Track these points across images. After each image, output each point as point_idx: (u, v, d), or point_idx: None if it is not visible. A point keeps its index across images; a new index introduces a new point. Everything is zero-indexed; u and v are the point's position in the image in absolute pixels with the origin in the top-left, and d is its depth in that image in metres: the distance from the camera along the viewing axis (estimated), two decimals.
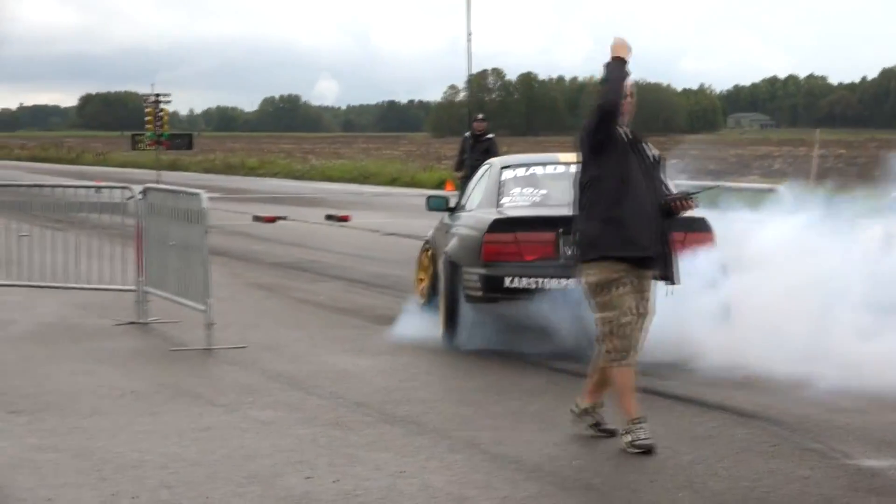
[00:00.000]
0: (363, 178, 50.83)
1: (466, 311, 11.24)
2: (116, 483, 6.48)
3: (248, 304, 14.63)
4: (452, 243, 11.87)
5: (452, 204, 13.50)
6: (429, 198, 14.77)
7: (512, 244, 11.08)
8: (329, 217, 28.52)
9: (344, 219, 26.80)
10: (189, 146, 36.24)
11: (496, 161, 13.60)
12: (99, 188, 16.97)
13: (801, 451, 7.41)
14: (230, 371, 10.48)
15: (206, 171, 62.72)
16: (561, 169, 12.33)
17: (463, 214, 12.47)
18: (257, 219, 28.13)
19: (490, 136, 22.67)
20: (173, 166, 47.82)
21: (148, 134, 31.94)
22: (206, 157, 69.01)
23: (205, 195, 11.57)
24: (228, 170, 65.52)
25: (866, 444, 7.61)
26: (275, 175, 62.20)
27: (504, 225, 11.19)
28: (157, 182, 26.35)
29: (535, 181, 12.39)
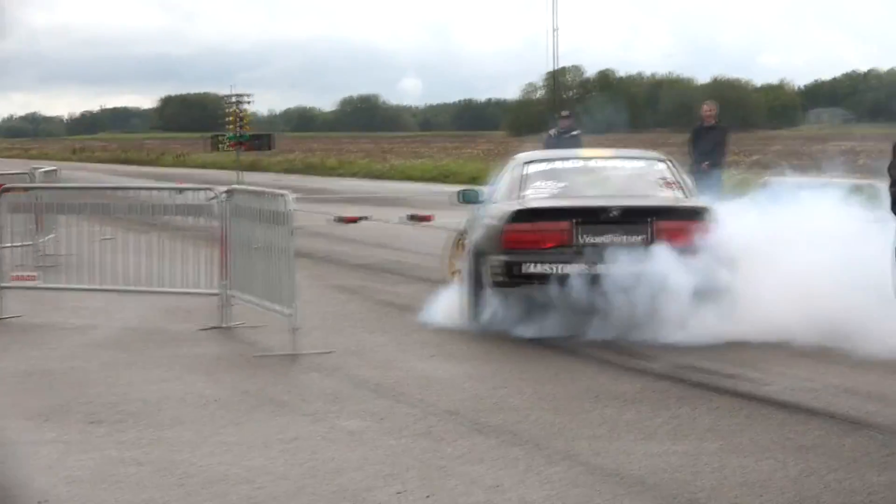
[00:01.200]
0: (443, 178, 50.73)
1: (488, 296, 12.17)
2: (200, 498, 6.45)
3: (333, 307, 14.45)
4: (477, 233, 12.90)
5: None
6: (460, 192, 15.78)
7: (531, 233, 12.03)
8: (412, 217, 28.61)
9: (427, 219, 26.74)
10: (269, 146, 36.72)
11: (520, 156, 14.48)
12: (181, 189, 17.14)
13: None
14: (316, 378, 10.42)
15: (286, 171, 63.18)
16: (580, 163, 14.21)
17: (489, 206, 13.37)
18: (339, 219, 28.21)
19: (576, 132, 22.40)
20: (253, 167, 48.28)
21: (229, 135, 32.33)
22: (285, 157, 69.62)
23: (290, 196, 11.56)
24: (308, 170, 66.11)
25: None
26: (354, 175, 62.82)
27: (524, 215, 12.17)
28: (239, 183, 26.38)
29: (556, 174, 13.43)
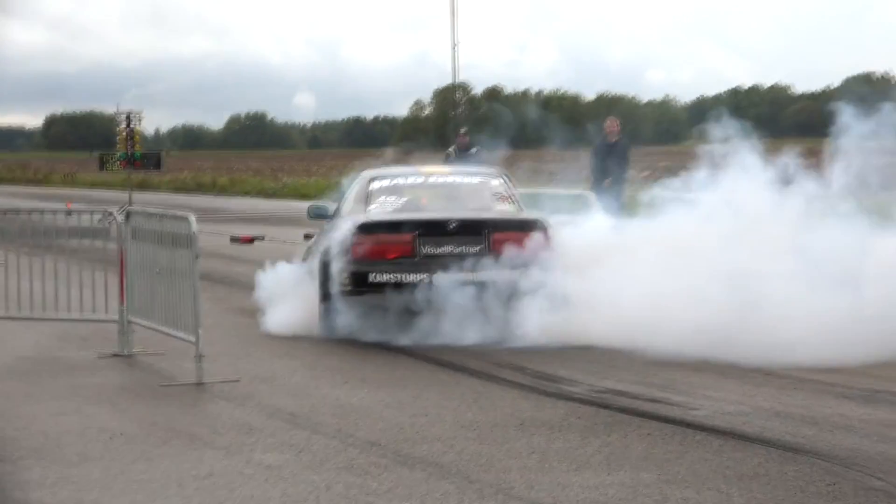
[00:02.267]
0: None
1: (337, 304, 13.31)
2: None
3: (236, 331, 14.47)
4: (325, 245, 13.90)
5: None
6: (309, 207, 17.08)
7: (376, 244, 13.31)
8: (307, 236, 28.60)
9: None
10: (158, 166, 36.34)
11: (366, 173, 15.56)
12: (74, 212, 17.37)
13: (864, 490, 7.20)
14: (225, 408, 10.29)
15: (177, 190, 63.15)
16: (421, 179, 15.50)
17: (337, 219, 14.58)
18: (234, 239, 28.11)
19: (474, 149, 22.56)
20: (143, 186, 48.14)
21: (119, 154, 32.08)
22: (175, 176, 69.11)
23: (193, 218, 11.49)
24: (199, 189, 66.42)
25: None
26: (246, 193, 63.28)
27: (369, 228, 13.45)
28: (131, 203, 26.14)
29: (399, 190, 14.69)
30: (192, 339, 11.12)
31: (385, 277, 13.14)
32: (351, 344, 13.83)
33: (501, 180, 15.10)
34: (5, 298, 14.05)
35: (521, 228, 13.49)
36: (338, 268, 13.28)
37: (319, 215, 16.03)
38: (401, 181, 15.09)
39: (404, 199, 14.58)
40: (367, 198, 14.57)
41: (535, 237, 13.23)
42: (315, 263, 14.19)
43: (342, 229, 13.70)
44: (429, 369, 12.37)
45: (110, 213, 13.59)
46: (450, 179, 15.80)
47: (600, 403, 10.28)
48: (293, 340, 14.23)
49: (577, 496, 6.99)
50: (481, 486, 7.27)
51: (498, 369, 12.07)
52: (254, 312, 15.67)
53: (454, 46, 32.57)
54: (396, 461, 8.04)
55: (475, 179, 15.66)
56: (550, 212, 14.96)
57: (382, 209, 14.21)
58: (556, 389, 10.96)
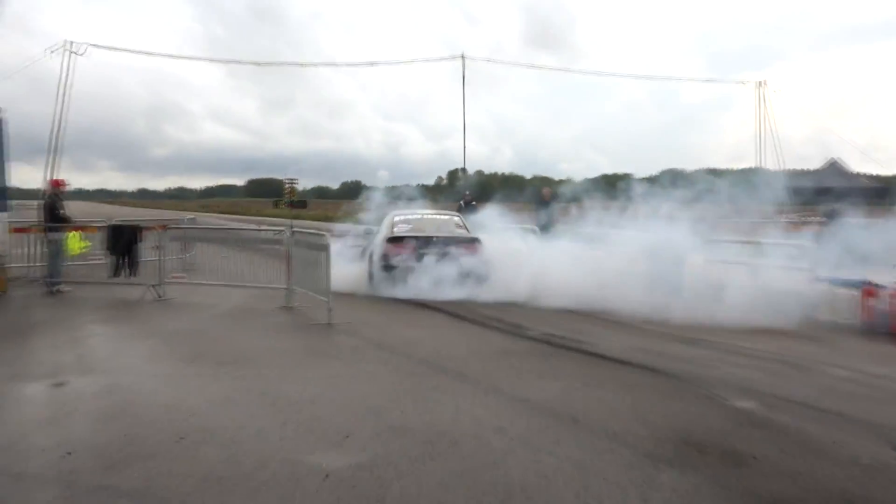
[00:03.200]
0: None
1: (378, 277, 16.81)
2: (284, 414, 7.49)
3: (346, 299, 15.30)
4: (372, 248, 17.98)
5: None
6: (365, 228, 20.87)
7: (395, 247, 16.78)
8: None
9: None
10: (305, 206, 39.68)
11: (392, 212, 19.58)
12: (266, 230, 20.30)
13: (697, 396, 8.42)
14: (343, 338, 11.77)
15: (314, 219, 64.60)
16: (419, 216, 19.11)
17: (377, 235, 18.29)
18: None
19: (474, 203, 25.03)
20: (297, 217, 49.71)
21: (285, 199, 35.47)
22: (315, 212, 70.26)
23: (328, 235, 13.91)
24: (326, 219, 67.85)
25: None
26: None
27: (393, 239, 17.02)
28: (292, 226, 28.43)
29: (409, 221, 18.42)
30: (325, 299, 13.37)
31: (400, 263, 16.55)
32: (402, 302, 15.83)
33: (458, 218, 19.20)
34: (228, 274, 16.71)
35: (467, 241, 17.13)
36: (377, 258, 16.98)
37: (369, 232, 20.09)
38: (409, 216, 18.97)
39: (410, 225, 18.14)
40: (392, 224, 18.25)
41: (474, 245, 17.07)
42: (367, 256, 18.34)
43: (380, 239, 17.55)
44: (446, 318, 13.96)
45: (282, 231, 16.08)
46: (433, 217, 19.38)
47: (546, 341, 11.61)
48: (375, 301, 16.13)
49: (537, 394, 8.30)
50: (485, 387, 8.61)
51: (486, 319, 13.65)
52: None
53: (464, 160, 34.08)
54: (437, 370, 9.49)
55: (445, 217, 19.49)
56: (510, 238, 19.06)
57: (400, 230, 17.70)
58: (521, 332, 12.38)
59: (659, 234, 18.62)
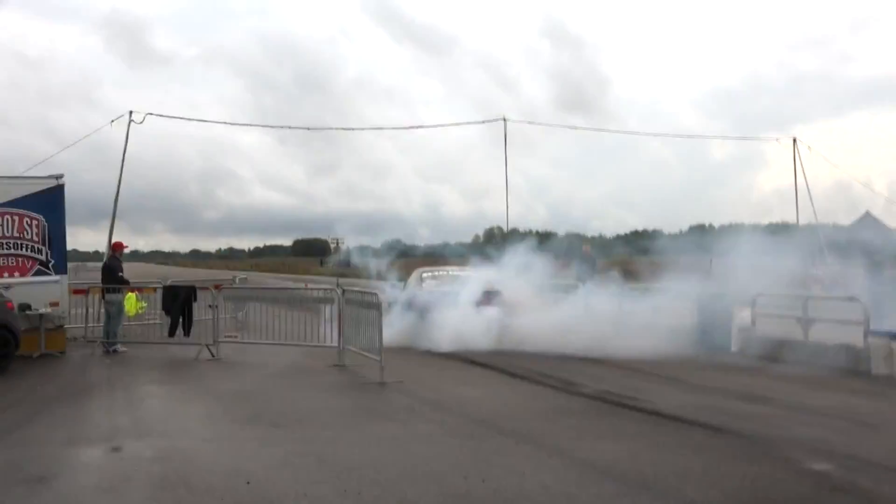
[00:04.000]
0: None
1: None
2: (344, 481, 6.94)
3: (395, 353, 14.61)
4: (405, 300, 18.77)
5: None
6: (399, 281, 21.03)
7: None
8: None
9: None
10: (349, 265, 40.48)
11: (418, 269, 20.49)
12: (318, 289, 19.38)
13: (771, 459, 7.73)
14: (397, 397, 11.42)
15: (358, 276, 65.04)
16: (444, 272, 20.30)
17: (408, 290, 19.33)
18: None
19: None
20: (342, 275, 50.13)
21: (332, 258, 36.40)
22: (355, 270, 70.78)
23: (379, 293, 13.12)
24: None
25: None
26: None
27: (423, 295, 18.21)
28: (339, 285, 28.50)
29: (433, 276, 19.71)
30: (377, 358, 12.85)
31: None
32: (451, 359, 15.51)
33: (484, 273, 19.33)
34: (280, 332, 16.05)
35: (489, 293, 17.49)
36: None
37: (399, 287, 20.26)
38: (435, 272, 20.23)
39: (436, 280, 19.32)
40: (420, 279, 19.53)
41: (496, 297, 17.44)
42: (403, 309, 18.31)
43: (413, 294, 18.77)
44: (497, 375, 13.52)
45: (333, 289, 15.81)
46: (455, 272, 19.99)
47: (601, 398, 11.14)
48: (424, 358, 15.81)
49: (603, 455, 7.74)
50: (546, 448, 8.12)
51: (537, 376, 13.15)
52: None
53: (507, 220, 33.90)
54: (495, 431, 8.95)
55: (466, 273, 19.78)
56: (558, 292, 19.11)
57: (427, 286, 18.97)
58: (575, 390, 11.89)
59: (706, 288, 18.05)
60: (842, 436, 8.75)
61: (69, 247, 17.97)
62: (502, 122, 29.89)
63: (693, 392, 11.72)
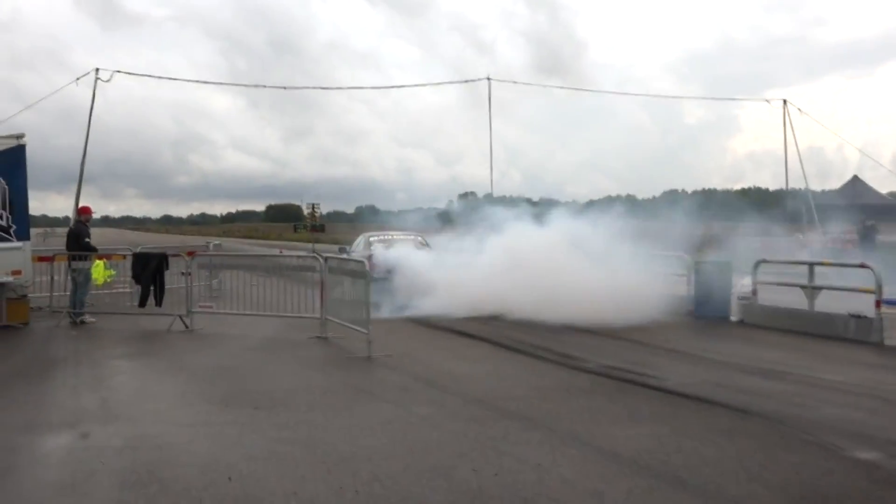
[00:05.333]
0: None
1: None
2: (340, 476, 6.16)
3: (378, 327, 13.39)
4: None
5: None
6: (340, 248, 23.20)
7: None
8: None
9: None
10: (323, 230, 39.65)
11: (365, 233, 22.31)
12: (298, 257, 18.99)
13: (809, 446, 7.02)
14: (387, 373, 10.59)
15: (333, 242, 64.81)
16: (389, 236, 21.63)
17: (353, 253, 20.32)
18: None
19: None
20: (316, 241, 49.00)
21: (306, 224, 35.46)
22: (330, 236, 70.18)
23: (366, 262, 11.99)
24: (337, 242, 68.02)
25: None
26: None
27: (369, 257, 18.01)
28: (314, 251, 27.97)
29: (382, 241, 20.67)
30: (365, 330, 12.00)
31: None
32: (437, 328, 14.93)
33: (420, 237, 21.23)
34: (257, 302, 15.29)
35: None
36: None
37: (344, 250, 21.67)
38: (380, 236, 21.59)
39: (383, 244, 20.08)
40: (369, 244, 20.45)
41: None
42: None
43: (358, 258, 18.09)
44: (490, 348, 12.75)
45: (314, 257, 14.85)
46: (400, 237, 21.26)
47: (607, 375, 10.37)
48: (411, 328, 15.10)
49: (625, 445, 6.94)
50: (561, 436, 7.28)
51: (533, 349, 12.42)
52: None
53: (491, 184, 33.67)
54: (500, 413, 8.16)
55: (408, 235, 21.46)
56: None
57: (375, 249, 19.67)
58: (577, 364, 11.13)
59: (702, 254, 17.38)
60: (876, 417, 8.00)
61: (38, 212, 17.39)
62: (480, 85, 29.39)
63: (703, 366, 11.02)
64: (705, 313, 16.13)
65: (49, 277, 17.45)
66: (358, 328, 12.25)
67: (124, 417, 8.13)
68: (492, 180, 34.20)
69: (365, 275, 12.13)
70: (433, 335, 14.28)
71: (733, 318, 15.85)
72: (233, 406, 8.57)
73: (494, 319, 15.83)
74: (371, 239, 21.05)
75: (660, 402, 8.73)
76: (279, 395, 9.07)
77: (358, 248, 21.36)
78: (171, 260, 16.01)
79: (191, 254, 16.74)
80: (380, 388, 9.60)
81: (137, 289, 15.73)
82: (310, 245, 39.37)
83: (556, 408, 8.41)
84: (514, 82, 47.04)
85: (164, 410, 8.47)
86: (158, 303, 15.51)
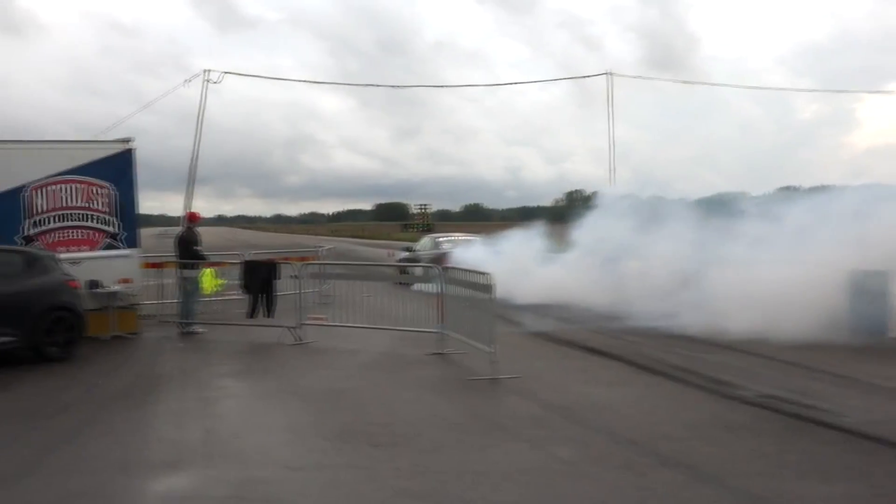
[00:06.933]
0: None
1: None
2: None
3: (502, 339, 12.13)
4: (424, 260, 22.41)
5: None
6: (405, 247, 29.15)
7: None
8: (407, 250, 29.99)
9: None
10: (432, 230, 39.92)
11: (432, 234, 29.31)
12: (413, 266, 18.42)
13: None
14: (517, 401, 9.46)
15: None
16: (454, 237, 25.87)
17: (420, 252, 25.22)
18: None
19: None
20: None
21: (416, 224, 36.57)
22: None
23: (491, 274, 11.05)
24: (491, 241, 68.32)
25: None
26: None
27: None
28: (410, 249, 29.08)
29: (449, 241, 24.82)
30: (489, 349, 10.93)
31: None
32: (567, 346, 13.65)
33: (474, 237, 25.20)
34: (370, 313, 14.40)
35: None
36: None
37: (409, 249, 26.60)
38: (446, 237, 25.70)
39: (451, 244, 23.81)
40: (437, 243, 25.00)
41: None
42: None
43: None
44: (624, 368, 11.54)
45: (434, 267, 13.73)
46: (464, 238, 24.62)
47: (769, 407, 8.93)
48: (528, 340, 14.19)
49: None
50: (738, 494, 6.02)
51: (675, 370, 11.14)
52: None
53: (612, 178, 32.63)
54: (657, 460, 6.95)
55: (469, 237, 25.10)
56: None
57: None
58: (731, 392, 9.72)
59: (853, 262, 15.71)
60: None
61: (157, 212, 17.09)
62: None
63: (880, 396, 9.41)
64: (860, 329, 14.48)
65: (158, 281, 17.05)
66: (481, 346, 11.15)
67: (230, 455, 7.24)
68: (612, 179, 32.91)
69: (489, 288, 10.91)
70: (558, 351, 13.08)
71: (893, 336, 14.18)
72: (349, 442, 7.60)
73: (626, 333, 14.51)
74: (439, 239, 25.48)
75: (844, 448, 7.29)
76: (400, 429, 8.07)
77: (425, 248, 25.46)
78: (281, 266, 15.34)
79: (303, 259, 16.09)
80: (512, 420, 8.48)
81: (247, 298, 15.10)
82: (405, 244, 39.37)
83: (720, 452, 7.12)
84: (637, 77, 45.48)
85: (274, 447, 7.53)
86: (269, 314, 14.79)
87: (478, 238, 23.80)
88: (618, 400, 9.39)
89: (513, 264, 19.99)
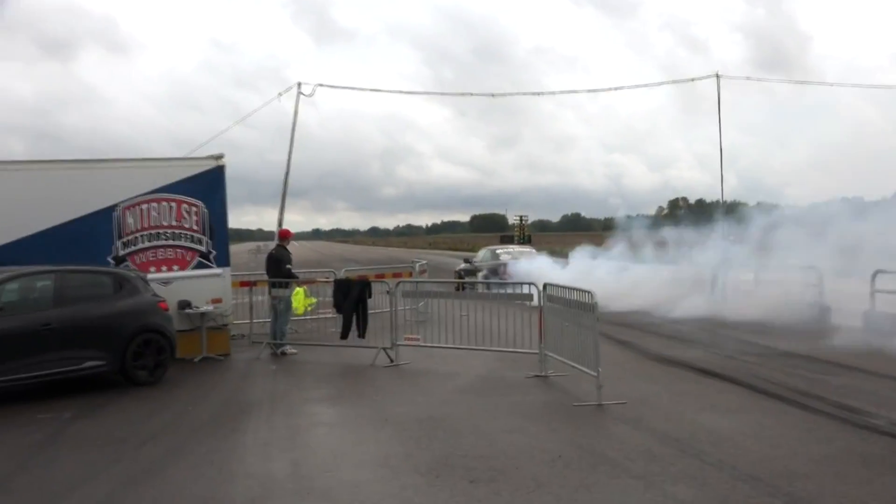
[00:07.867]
0: None
1: None
2: None
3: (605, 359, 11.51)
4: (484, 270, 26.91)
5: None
6: (466, 258, 31.48)
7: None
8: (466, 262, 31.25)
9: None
10: (530, 242, 41.02)
11: (487, 247, 31.03)
12: (511, 284, 16.68)
13: None
14: (626, 431, 8.78)
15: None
16: (511, 249, 29.33)
17: (483, 262, 28.06)
18: None
19: None
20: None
21: (515, 236, 37.65)
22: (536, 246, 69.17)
23: (594, 292, 10.40)
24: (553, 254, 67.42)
25: None
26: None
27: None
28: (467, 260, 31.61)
29: (507, 252, 27.74)
30: (594, 373, 10.32)
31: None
32: (673, 365, 12.95)
33: (532, 249, 29.19)
34: (466, 334, 13.72)
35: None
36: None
37: (468, 261, 29.32)
38: (503, 249, 27.79)
39: (509, 255, 26.78)
40: (496, 255, 27.68)
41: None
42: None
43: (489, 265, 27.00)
44: (747, 394, 10.58)
45: (533, 284, 12.81)
46: (520, 249, 27.65)
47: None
48: (631, 359, 13.67)
49: None
50: None
51: (797, 395, 10.29)
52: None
53: (721, 190, 32.38)
54: (787, 502, 6.25)
55: (524, 249, 27.24)
56: None
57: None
58: (862, 421, 8.86)
59: None
60: None
61: (254, 226, 17.00)
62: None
63: None
64: None
65: (249, 301, 16.92)
66: (585, 369, 10.52)
67: (317, 493, 6.79)
68: (722, 189, 31.89)
69: (593, 307, 10.24)
70: (666, 373, 12.24)
71: None
72: (445, 477, 7.10)
73: (740, 353, 13.63)
74: (498, 251, 28.10)
75: None
76: (499, 463, 7.51)
77: (484, 260, 27.95)
78: (374, 286, 14.97)
79: (398, 275, 15.77)
80: (621, 453, 7.78)
81: (341, 319, 14.78)
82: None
83: (859, 494, 6.36)
84: (747, 78, 43.95)
85: (365, 483, 7.04)
86: (361, 334, 14.35)
87: (533, 250, 28.36)
88: (736, 429, 8.61)
89: (577, 274, 20.85)
